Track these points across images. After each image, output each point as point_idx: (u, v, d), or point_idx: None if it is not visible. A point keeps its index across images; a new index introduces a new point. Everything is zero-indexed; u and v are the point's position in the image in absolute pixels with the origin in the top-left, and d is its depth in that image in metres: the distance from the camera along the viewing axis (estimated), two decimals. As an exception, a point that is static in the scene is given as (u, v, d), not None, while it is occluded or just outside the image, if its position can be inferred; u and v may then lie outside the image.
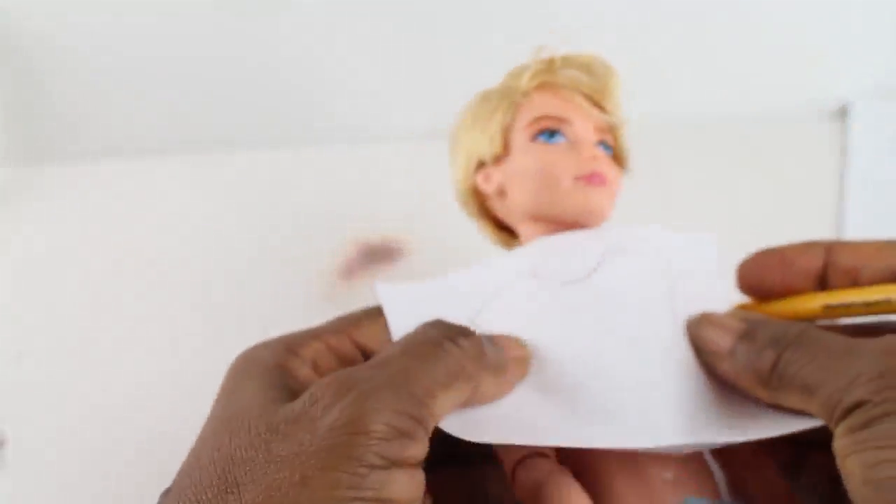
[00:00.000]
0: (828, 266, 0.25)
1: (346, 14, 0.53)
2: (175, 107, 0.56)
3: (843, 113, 0.50)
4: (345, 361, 0.24)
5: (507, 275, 0.26)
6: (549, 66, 0.32)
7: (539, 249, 0.27)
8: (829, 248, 0.25)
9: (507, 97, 0.30)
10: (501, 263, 0.27)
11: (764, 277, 0.26)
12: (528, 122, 0.29)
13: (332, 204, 0.50)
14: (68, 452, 0.36)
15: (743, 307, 0.27)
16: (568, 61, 0.32)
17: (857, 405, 0.19)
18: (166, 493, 0.20)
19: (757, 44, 0.51)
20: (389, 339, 0.24)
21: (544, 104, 0.30)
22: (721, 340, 0.23)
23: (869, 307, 0.23)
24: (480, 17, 0.53)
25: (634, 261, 0.26)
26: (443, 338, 0.22)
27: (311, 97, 0.56)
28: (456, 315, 0.25)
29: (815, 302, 0.25)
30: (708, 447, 0.24)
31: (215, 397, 0.22)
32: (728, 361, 0.23)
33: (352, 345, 0.24)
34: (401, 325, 0.25)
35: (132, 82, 0.55)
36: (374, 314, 0.25)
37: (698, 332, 0.24)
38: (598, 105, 0.31)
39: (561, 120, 0.29)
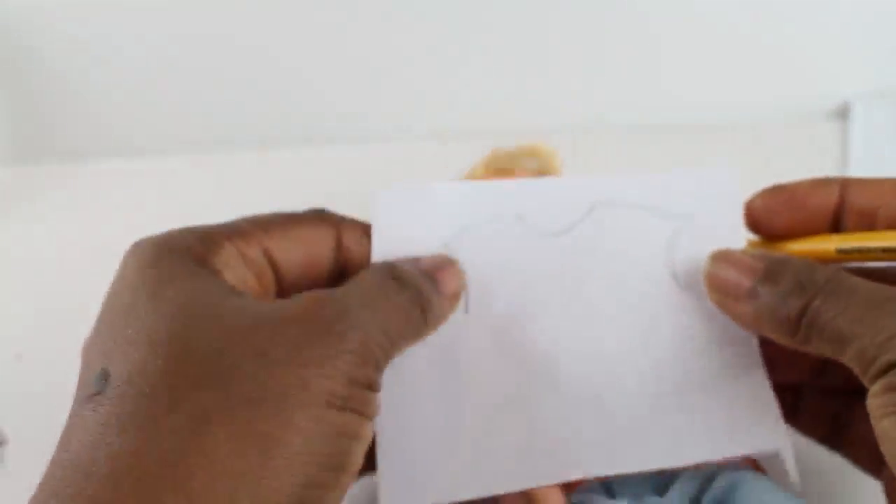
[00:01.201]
0: (842, 206, 0.23)
1: (346, 15, 0.53)
2: (175, 107, 0.56)
3: (843, 112, 0.50)
4: (253, 268, 0.23)
5: (492, 207, 0.25)
6: (497, 156, 0.38)
7: (528, 190, 0.26)
8: (845, 186, 0.24)
9: None
10: (490, 192, 0.26)
11: (773, 217, 0.24)
12: None
13: (332, 204, 0.50)
14: (68, 452, 0.36)
15: (752, 244, 0.25)
16: (514, 151, 0.38)
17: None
18: (97, 391, 0.18)
19: (757, 44, 0.51)
20: (303, 256, 0.24)
21: None
22: (739, 281, 0.22)
23: (886, 253, 0.22)
24: (481, 18, 0.53)
25: (625, 215, 0.25)
26: (409, 293, 0.22)
27: (312, 97, 0.56)
28: (433, 231, 0.25)
29: (828, 244, 0.23)
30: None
31: (123, 275, 0.22)
32: (747, 304, 0.22)
33: (260, 252, 0.23)
34: (384, 231, 0.25)
35: (132, 82, 0.55)
36: (285, 223, 0.24)
37: (714, 270, 0.23)
38: None
39: None
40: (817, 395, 0.25)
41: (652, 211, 0.24)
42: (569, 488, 0.23)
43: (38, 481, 0.35)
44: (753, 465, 0.24)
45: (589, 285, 0.24)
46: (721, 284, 0.22)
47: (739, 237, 0.24)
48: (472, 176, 0.38)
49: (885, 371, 0.18)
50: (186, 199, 0.51)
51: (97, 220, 0.50)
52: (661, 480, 0.22)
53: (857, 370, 0.19)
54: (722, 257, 0.23)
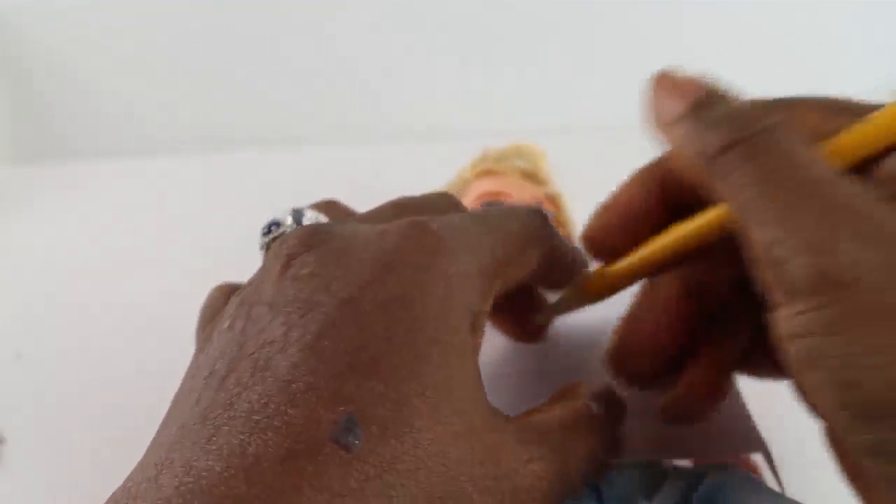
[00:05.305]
0: (682, 181, 0.20)
1: (344, 18, 0.53)
2: (175, 107, 0.56)
3: (841, 112, 0.50)
4: None
5: None
6: (485, 157, 0.39)
7: None
8: (667, 167, 0.21)
9: (456, 189, 0.38)
10: None
11: (612, 239, 0.21)
12: (472, 200, 0.35)
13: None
14: (68, 452, 0.37)
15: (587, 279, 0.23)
16: (502, 152, 0.39)
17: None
18: (344, 445, 0.14)
19: (754, 42, 0.51)
20: None
21: (484, 185, 0.37)
22: (673, 105, 0.19)
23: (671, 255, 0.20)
24: (472, 21, 0.53)
25: (577, 328, 0.26)
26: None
27: (310, 98, 0.56)
28: None
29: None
30: None
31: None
32: (674, 128, 0.19)
33: None
34: None
35: (133, 82, 0.55)
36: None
37: (652, 89, 0.20)
38: (534, 181, 0.38)
39: (499, 193, 0.36)
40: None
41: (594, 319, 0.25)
42: None
43: (37, 481, 0.36)
44: (747, 466, 0.24)
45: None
46: (655, 105, 0.20)
47: None
48: (461, 176, 0.39)
49: (793, 291, 0.15)
50: (186, 199, 0.51)
51: (97, 219, 0.50)
52: (651, 483, 0.22)
53: (759, 262, 0.16)
54: (664, 77, 0.20)
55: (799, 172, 0.16)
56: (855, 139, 0.17)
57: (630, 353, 0.21)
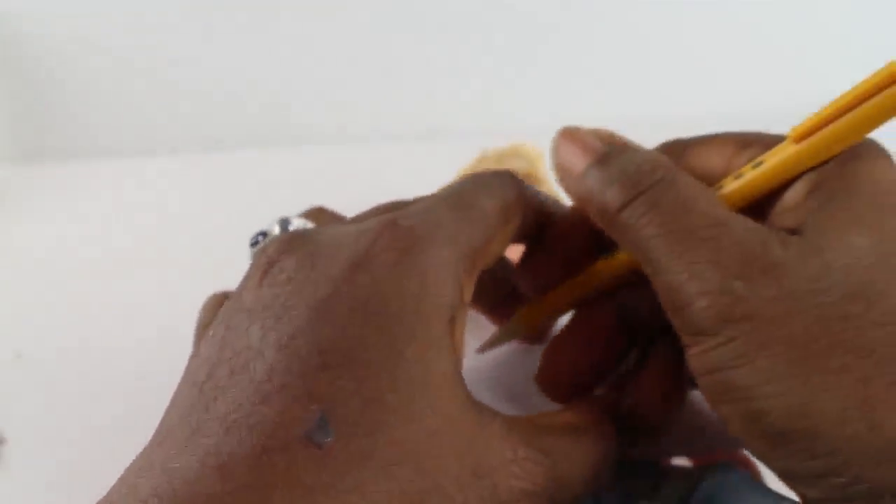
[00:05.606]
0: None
1: (343, 18, 0.53)
2: (174, 107, 0.56)
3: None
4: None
5: None
6: (484, 158, 0.39)
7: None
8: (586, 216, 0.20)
9: None
10: None
11: (546, 271, 0.22)
12: None
13: (332, 204, 0.50)
14: (68, 452, 0.37)
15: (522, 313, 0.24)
16: (501, 152, 0.40)
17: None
18: (316, 442, 0.14)
19: (754, 43, 0.51)
20: None
21: None
22: (576, 162, 0.19)
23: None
24: (471, 21, 0.53)
25: None
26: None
27: (309, 98, 0.56)
28: None
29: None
30: None
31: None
32: (579, 184, 0.19)
33: None
34: None
35: (132, 82, 0.56)
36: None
37: (556, 146, 0.20)
38: (534, 181, 0.38)
39: None
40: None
41: None
42: None
43: (37, 481, 0.36)
44: (747, 465, 0.24)
45: None
46: (560, 162, 0.20)
47: None
48: (461, 176, 0.40)
49: (698, 331, 0.16)
50: (185, 199, 0.51)
51: (97, 219, 0.50)
52: (651, 483, 0.22)
53: (664, 306, 0.17)
54: (567, 134, 0.20)
55: (693, 219, 0.17)
56: (751, 180, 0.18)
57: (552, 374, 0.22)
